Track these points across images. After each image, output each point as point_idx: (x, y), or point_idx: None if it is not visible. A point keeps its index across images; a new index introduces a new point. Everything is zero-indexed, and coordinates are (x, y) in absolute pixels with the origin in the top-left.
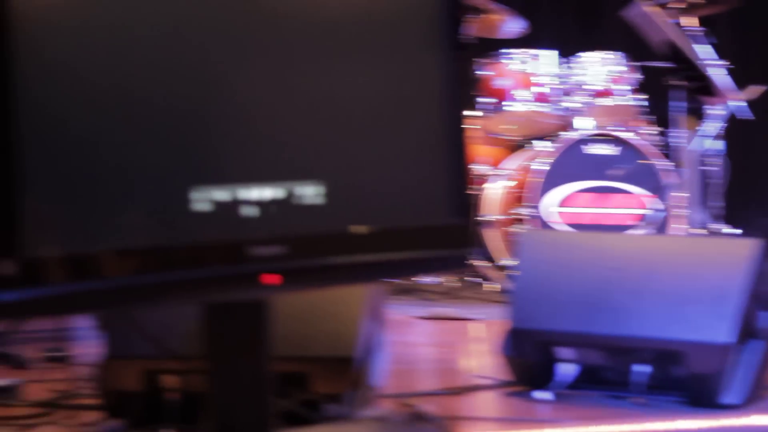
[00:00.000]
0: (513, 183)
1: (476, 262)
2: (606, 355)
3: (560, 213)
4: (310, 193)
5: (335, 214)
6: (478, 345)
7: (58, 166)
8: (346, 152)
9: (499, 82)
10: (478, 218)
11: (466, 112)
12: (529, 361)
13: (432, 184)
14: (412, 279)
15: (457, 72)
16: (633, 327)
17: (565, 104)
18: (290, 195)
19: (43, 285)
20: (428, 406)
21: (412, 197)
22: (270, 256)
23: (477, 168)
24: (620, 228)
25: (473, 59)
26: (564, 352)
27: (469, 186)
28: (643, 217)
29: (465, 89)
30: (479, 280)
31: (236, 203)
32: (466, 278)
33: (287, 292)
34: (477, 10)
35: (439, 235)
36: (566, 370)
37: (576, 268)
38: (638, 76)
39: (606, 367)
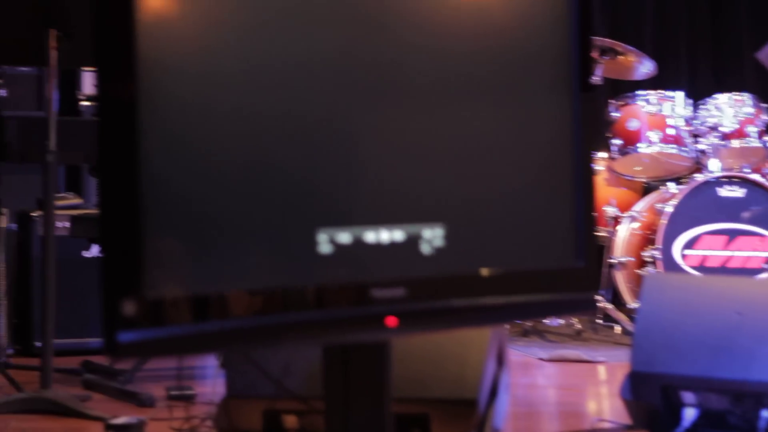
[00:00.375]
0: (643, 225)
1: (604, 305)
2: (731, 399)
3: (688, 255)
4: (433, 235)
5: (457, 257)
6: (601, 388)
7: (182, 207)
8: (470, 194)
9: (632, 124)
10: (608, 260)
11: (597, 154)
12: (647, 405)
13: (558, 227)
14: (538, 321)
15: (587, 114)
16: (759, 372)
17: (695, 146)
18: (414, 237)
19: (165, 325)
20: None
21: (537, 240)
22: (393, 299)
23: (607, 210)
24: (750, 272)
25: (605, 101)
26: (685, 396)
27: (598, 228)
28: (767, 261)
29: (596, 131)
30: (607, 322)
31: (360, 245)
32: (593, 320)
33: (410, 334)
34: (609, 52)
35: (565, 278)
36: (686, 414)
37: (699, 311)
38: (766, 117)
39: (731, 412)
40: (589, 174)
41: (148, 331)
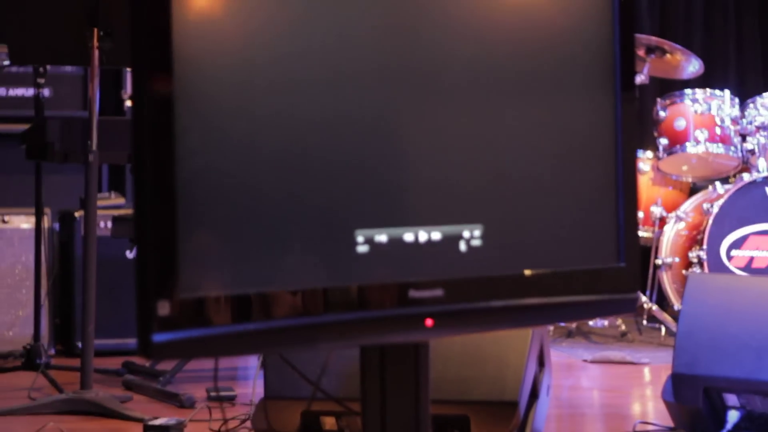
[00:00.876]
0: (689, 225)
1: (649, 306)
2: None
3: (735, 256)
4: (472, 235)
5: (496, 257)
6: (646, 390)
7: (220, 208)
8: (509, 194)
9: (679, 123)
10: (654, 261)
11: (644, 154)
12: (690, 407)
13: (599, 227)
14: (581, 322)
15: (630, 113)
16: None
17: (743, 145)
18: (453, 237)
19: (200, 326)
20: None
21: (577, 240)
22: (432, 299)
23: (654, 210)
24: None
25: (653, 100)
26: (728, 398)
27: (643, 228)
28: None
29: (641, 130)
30: (652, 323)
31: (398, 246)
32: (638, 322)
33: (448, 334)
34: (657, 51)
35: (605, 279)
36: (730, 416)
37: (741, 312)
38: None
39: None
40: (631, 174)
41: (183, 332)
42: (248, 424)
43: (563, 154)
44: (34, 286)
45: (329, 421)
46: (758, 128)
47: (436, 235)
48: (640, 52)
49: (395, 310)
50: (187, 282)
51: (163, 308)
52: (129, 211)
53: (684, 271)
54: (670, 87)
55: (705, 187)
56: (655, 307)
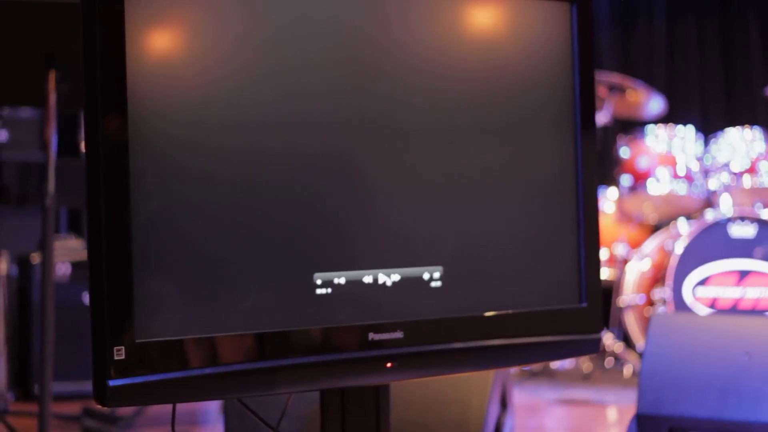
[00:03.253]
0: (653, 264)
1: (613, 345)
2: None
3: (700, 295)
4: (432, 277)
5: (457, 299)
6: (610, 430)
7: (176, 251)
8: (469, 235)
9: (641, 162)
10: (617, 300)
11: (607, 192)
12: None
13: (560, 267)
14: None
15: (591, 151)
16: (767, 413)
17: (706, 184)
18: (413, 280)
19: (156, 372)
20: None
21: (540, 281)
22: (392, 341)
23: (617, 249)
24: (762, 311)
25: (615, 138)
26: None
27: (607, 267)
28: None
29: (604, 169)
30: (617, 363)
31: (358, 288)
32: (602, 361)
33: (410, 377)
34: (618, 89)
35: (569, 320)
36: None
37: (705, 351)
38: None
39: None
40: (593, 213)
41: (139, 378)
42: None
43: (524, 195)
44: None
45: None
46: (721, 166)
47: (396, 277)
48: (602, 91)
49: (355, 353)
50: (142, 327)
51: (119, 353)
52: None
53: (648, 310)
54: (633, 126)
55: (668, 226)
56: (619, 347)
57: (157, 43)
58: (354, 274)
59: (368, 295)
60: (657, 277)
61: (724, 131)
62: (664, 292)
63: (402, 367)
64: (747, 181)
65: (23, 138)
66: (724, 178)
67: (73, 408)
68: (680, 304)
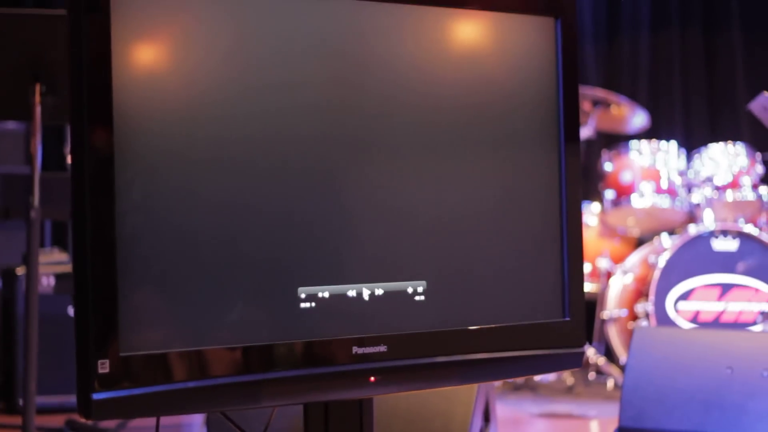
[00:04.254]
0: (636, 278)
1: (596, 359)
2: None
3: (682, 309)
4: (416, 292)
5: (440, 313)
6: None
7: (161, 265)
8: (452, 250)
9: (625, 176)
10: (600, 314)
11: (591, 206)
12: None
13: (543, 281)
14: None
15: (574, 167)
16: (748, 427)
17: (689, 197)
18: (396, 294)
19: (140, 385)
20: None
21: (524, 295)
22: (376, 355)
23: (600, 263)
24: (743, 325)
25: (599, 153)
26: None
27: (590, 281)
28: (760, 313)
29: (588, 183)
30: (600, 377)
31: (342, 302)
32: (585, 375)
33: (394, 391)
34: (602, 104)
35: (552, 334)
36: None
37: (688, 365)
38: (761, 168)
39: None
40: (576, 227)
41: (123, 391)
42: None
43: (507, 209)
44: None
45: None
46: (704, 180)
47: (380, 292)
48: (586, 105)
49: (339, 367)
50: (127, 340)
51: (103, 367)
52: (71, 268)
53: (631, 324)
54: (617, 140)
55: (651, 240)
56: (602, 360)
57: (143, 56)
58: (338, 288)
59: (352, 309)
60: (640, 291)
61: (707, 146)
62: (646, 306)
63: (386, 380)
64: (730, 196)
65: (8, 151)
66: (707, 192)
67: (57, 421)
68: (662, 318)
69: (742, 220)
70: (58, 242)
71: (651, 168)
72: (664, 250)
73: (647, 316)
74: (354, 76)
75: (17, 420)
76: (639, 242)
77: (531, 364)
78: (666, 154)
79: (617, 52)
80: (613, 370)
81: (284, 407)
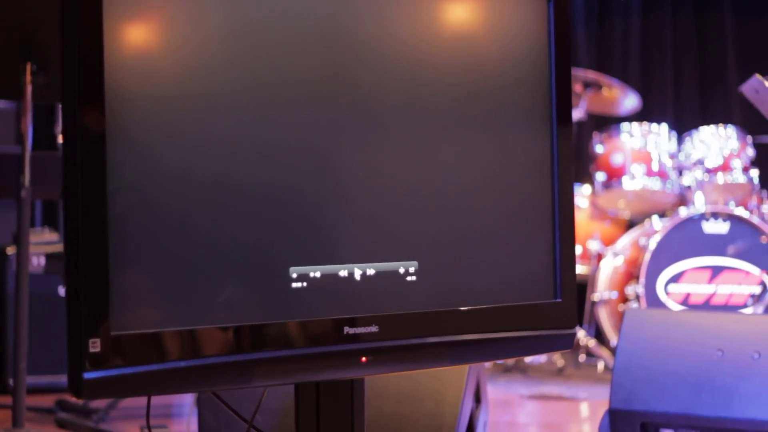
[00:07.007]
0: (626, 260)
1: (586, 341)
2: None
3: (673, 291)
4: (408, 271)
5: (432, 294)
6: (583, 425)
7: (152, 244)
8: (444, 230)
9: (616, 158)
10: (591, 296)
11: (582, 189)
12: None
13: (535, 263)
14: (518, 357)
15: (567, 147)
16: (739, 409)
17: (680, 180)
18: (388, 274)
19: (131, 364)
20: None
21: (515, 276)
22: (367, 335)
23: (591, 245)
24: (733, 307)
25: (590, 135)
26: None
27: (580, 263)
28: (751, 296)
29: (579, 165)
30: (590, 359)
31: (334, 282)
32: (576, 357)
33: (385, 371)
34: (593, 86)
35: (543, 315)
36: None
37: (678, 347)
38: (751, 151)
39: None
40: (568, 209)
41: (114, 370)
42: None
43: (499, 190)
44: None
45: None
46: (695, 163)
47: (371, 272)
48: (577, 87)
49: (330, 347)
50: (118, 319)
51: (94, 346)
52: (62, 248)
53: (621, 306)
54: (608, 123)
55: (642, 222)
56: (592, 342)
57: (135, 34)
58: (329, 268)
59: (344, 289)
60: (630, 273)
61: (698, 128)
62: (637, 289)
63: (377, 361)
64: (721, 178)
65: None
66: (698, 174)
67: (48, 400)
68: (653, 301)
69: (732, 202)
70: (49, 222)
71: (642, 150)
72: (655, 232)
73: (638, 298)
74: (346, 53)
75: (7, 400)
76: (630, 224)
77: (522, 344)
78: (657, 137)
79: (609, 34)
80: (604, 352)
81: (275, 387)
